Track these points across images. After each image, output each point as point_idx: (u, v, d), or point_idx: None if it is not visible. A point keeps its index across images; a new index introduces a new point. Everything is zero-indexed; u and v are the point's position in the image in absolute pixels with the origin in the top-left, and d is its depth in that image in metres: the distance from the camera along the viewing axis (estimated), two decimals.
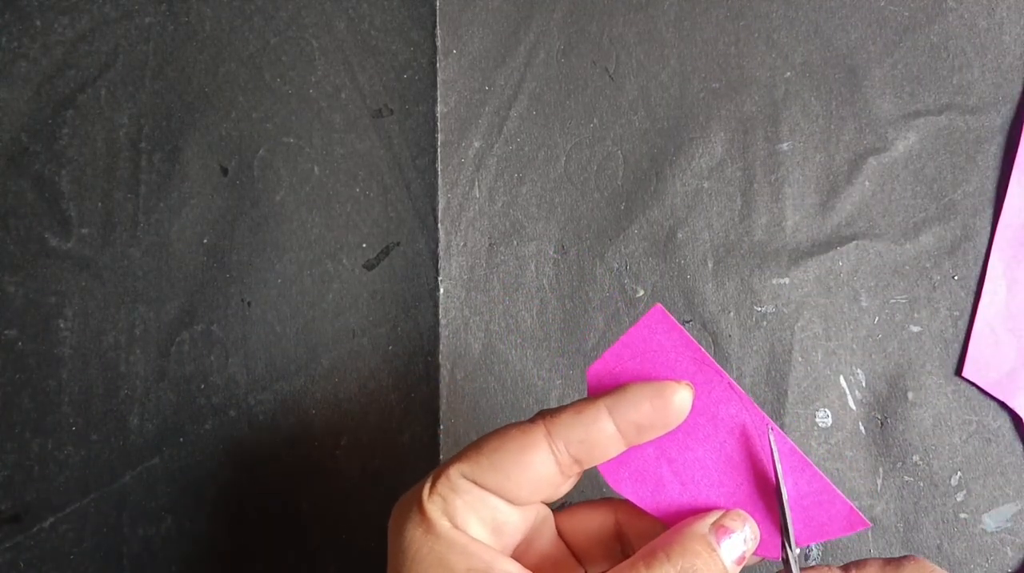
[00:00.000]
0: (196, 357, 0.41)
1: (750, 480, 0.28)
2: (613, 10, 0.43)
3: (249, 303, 0.41)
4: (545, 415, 0.27)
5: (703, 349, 0.28)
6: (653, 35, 0.43)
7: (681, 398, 0.27)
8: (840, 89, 0.42)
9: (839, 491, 0.28)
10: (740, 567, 0.27)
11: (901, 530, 0.40)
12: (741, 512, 0.28)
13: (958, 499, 0.40)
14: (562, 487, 0.28)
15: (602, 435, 0.26)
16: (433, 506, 0.26)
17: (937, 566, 0.28)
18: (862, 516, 0.27)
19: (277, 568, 0.40)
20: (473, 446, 0.27)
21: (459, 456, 0.27)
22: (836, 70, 0.42)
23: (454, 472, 0.26)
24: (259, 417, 0.41)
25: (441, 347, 0.41)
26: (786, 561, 0.27)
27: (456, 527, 0.26)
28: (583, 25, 0.43)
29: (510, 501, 0.27)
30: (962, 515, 0.40)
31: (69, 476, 0.40)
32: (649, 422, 0.27)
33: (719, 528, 0.27)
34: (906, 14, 0.43)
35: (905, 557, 0.28)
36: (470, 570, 0.25)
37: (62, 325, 0.41)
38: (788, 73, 0.42)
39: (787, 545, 0.27)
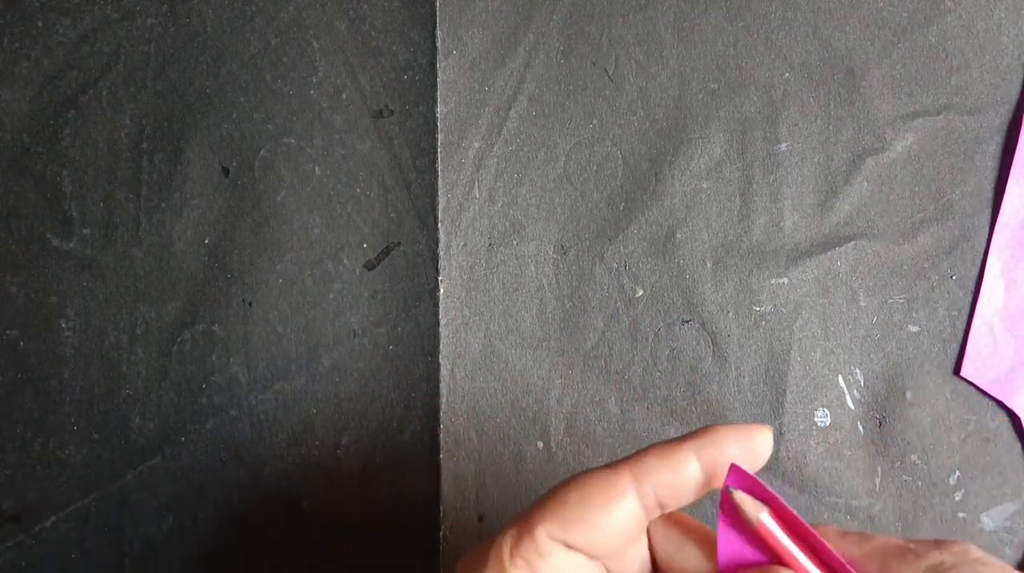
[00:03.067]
0: (197, 357, 0.41)
1: None
2: (612, 11, 0.43)
3: (250, 303, 0.41)
4: (627, 460, 0.26)
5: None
6: (652, 36, 0.43)
7: (764, 441, 0.26)
8: (838, 90, 0.42)
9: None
10: None
11: (900, 529, 0.40)
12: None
13: (956, 498, 0.40)
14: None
15: (690, 480, 0.25)
16: (517, 572, 0.25)
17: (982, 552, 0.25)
18: None
19: (278, 567, 0.40)
20: (554, 500, 0.25)
21: (542, 512, 0.25)
22: (834, 71, 0.43)
23: (541, 533, 0.24)
24: (260, 416, 0.41)
25: (441, 347, 0.41)
26: None
27: None
28: (583, 26, 0.43)
29: (593, 556, 0.25)
30: (960, 514, 0.40)
31: (70, 475, 0.40)
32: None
33: None
34: (904, 15, 0.43)
35: (941, 541, 0.25)
36: None
37: (64, 325, 0.41)
38: (786, 74, 0.43)
39: None
